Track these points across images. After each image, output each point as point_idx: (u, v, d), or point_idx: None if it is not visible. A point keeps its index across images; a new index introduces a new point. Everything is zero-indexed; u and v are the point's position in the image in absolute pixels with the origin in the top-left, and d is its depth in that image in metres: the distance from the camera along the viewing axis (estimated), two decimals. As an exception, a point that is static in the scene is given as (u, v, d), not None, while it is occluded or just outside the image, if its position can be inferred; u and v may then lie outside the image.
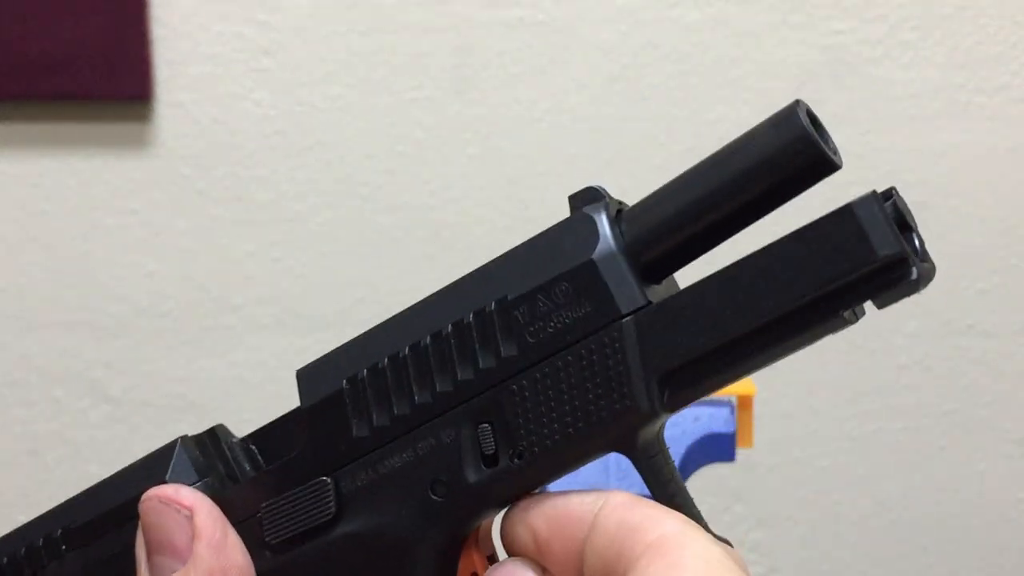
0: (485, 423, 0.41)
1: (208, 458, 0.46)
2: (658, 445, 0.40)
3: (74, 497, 0.48)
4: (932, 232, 1.17)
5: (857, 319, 0.37)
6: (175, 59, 1.16)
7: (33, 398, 1.19)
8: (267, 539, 0.44)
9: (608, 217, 0.39)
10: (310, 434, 0.44)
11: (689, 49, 1.17)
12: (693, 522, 0.38)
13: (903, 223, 0.36)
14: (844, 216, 0.35)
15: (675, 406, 0.39)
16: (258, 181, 1.17)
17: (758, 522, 1.24)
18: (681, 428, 0.75)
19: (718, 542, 0.38)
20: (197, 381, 1.19)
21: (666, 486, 0.40)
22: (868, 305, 0.37)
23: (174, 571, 0.42)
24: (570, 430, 0.39)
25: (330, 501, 0.43)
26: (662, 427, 0.40)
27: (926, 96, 1.18)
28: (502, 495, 0.41)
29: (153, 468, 0.46)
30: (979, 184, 1.19)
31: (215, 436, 0.47)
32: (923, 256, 0.36)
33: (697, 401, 0.40)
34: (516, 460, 0.40)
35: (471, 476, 0.41)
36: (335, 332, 1.16)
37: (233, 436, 0.47)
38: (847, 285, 0.36)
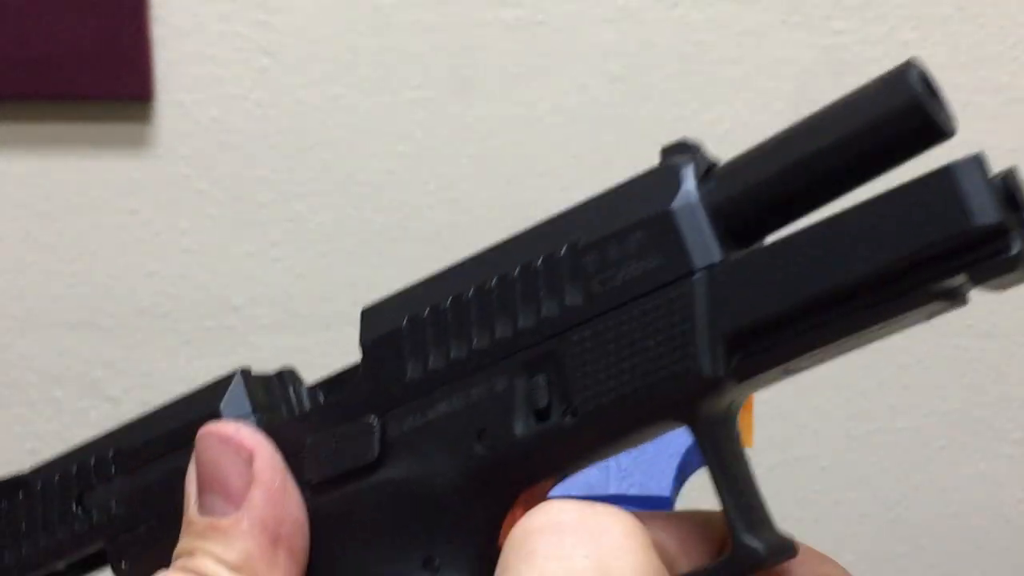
0: (541, 374, 0.38)
1: (272, 397, 0.44)
2: (727, 422, 0.37)
3: (129, 421, 0.47)
4: (932, 232, 1.18)
5: (955, 301, 0.34)
6: (175, 59, 1.16)
7: (33, 398, 1.19)
8: (307, 477, 0.41)
9: (695, 170, 0.37)
10: (363, 373, 0.41)
11: (689, 49, 1.17)
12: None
13: (1013, 199, 0.33)
14: (941, 177, 0.32)
15: (744, 375, 0.36)
16: (258, 181, 1.17)
17: (758, 522, 1.24)
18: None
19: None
20: (197, 381, 1.19)
21: (727, 468, 0.37)
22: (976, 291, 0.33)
23: (225, 515, 0.40)
24: (626, 390, 0.36)
25: (374, 443, 0.40)
26: (733, 403, 0.37)
27: (926, 96, 1.18)
28: (549, 454, 0.38)
29: (207, 398, 0.45)
30: (979, 184, 1.19)
31: (283, 378, 0.45)
32: None
33: (771, 382, 0.37)
34: (568, 417, 0.37)
35: (519, 429, 0.38)
36: (335, 332, 1.16)
37: (303, 382, 0.45)
38: (937, 254, 0.32)
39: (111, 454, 0.46)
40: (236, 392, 0.44)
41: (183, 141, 1.17)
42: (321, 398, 0.44)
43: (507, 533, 0.38)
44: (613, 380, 0.37)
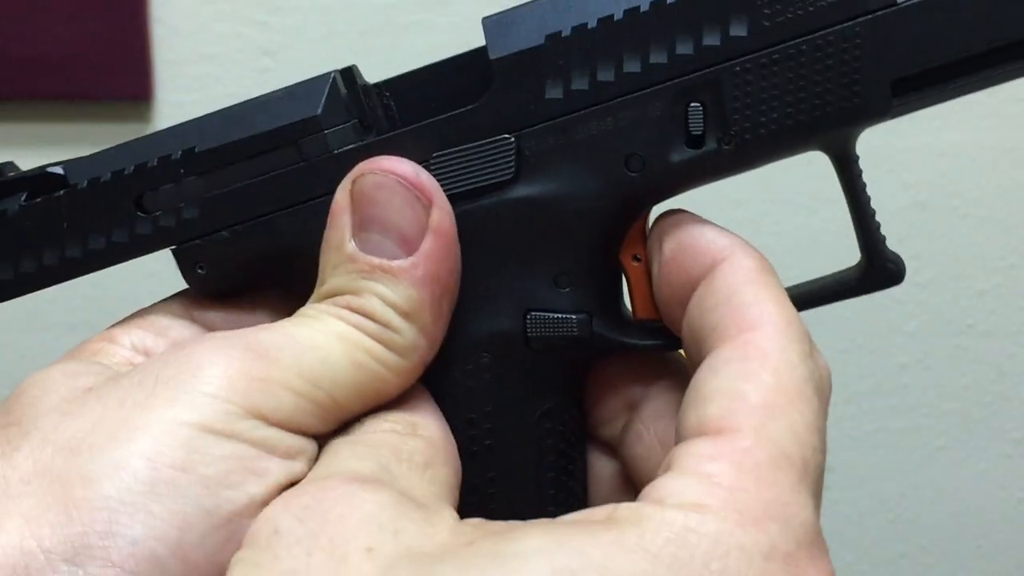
0: (697, 103, 0.39)
1: (353, 100, 0.43)
2: (856, 156, 0.40)
3: (192, 121, 0.44)
4: (932, 232, 1.18)
5: None
6: (175, 59, 1.16)
7: (33, 398, 1.19)
8: None
9: None
10: (495, 88, 0.41)
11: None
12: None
13: None
14: None
15: (899, 112, 0.38)
16: (258, 181, 1.17)
17: (758, 522, 1.24)
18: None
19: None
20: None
21: (860, 195, 0.39)
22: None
23: (396, 258, 0.39)
24: (789, 122, 0.38)
25: (511, 160, 0.41)
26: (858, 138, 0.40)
27: (926, 96, 1.18)
28: (694, 177, 0.40)
29: (302, 101, 0.43)
30: (979, 184, 1.19)
31: (351, 76, 0.44)
32: None
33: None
34: (724, 146, 0.39)
35: (673, 155, 0.39)
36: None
37: (364, 79, 0.44)
38: None
39: (179, 154, 0.44)
40: (333, 96, 0.43)
41: (183, 141, 1.17)
42: (391, 101, 0.44)
43: (629, 246, 0.40)
44: (776, 112, 0.38)
